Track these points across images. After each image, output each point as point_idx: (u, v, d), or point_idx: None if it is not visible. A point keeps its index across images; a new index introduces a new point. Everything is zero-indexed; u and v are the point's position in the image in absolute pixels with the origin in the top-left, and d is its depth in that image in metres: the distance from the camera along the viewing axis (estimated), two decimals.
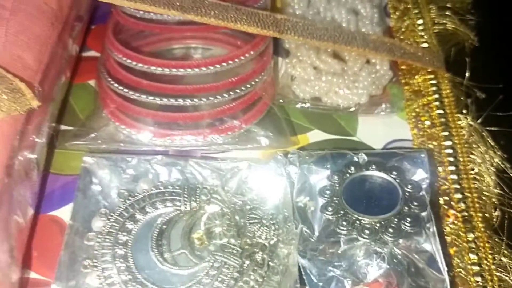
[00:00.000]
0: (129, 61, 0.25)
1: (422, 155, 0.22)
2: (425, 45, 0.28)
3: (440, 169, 0.24)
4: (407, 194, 0.21)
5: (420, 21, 0.30)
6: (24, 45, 0.21)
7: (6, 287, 0.19)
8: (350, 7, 0.30)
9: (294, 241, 0.20)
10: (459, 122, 0.25)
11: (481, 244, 0.22)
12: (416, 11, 0.31)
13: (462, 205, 0.23)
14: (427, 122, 0.26)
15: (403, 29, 0.30)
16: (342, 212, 0.20)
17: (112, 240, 0.20)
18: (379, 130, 0.26)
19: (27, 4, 0.22)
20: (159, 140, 0.23)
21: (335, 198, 0.20)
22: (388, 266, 0.19)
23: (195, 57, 0.28)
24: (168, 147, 0.24)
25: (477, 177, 0.24)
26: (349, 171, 0.21)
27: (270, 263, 0.20)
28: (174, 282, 0.19)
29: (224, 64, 0.25)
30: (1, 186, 0.18)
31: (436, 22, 0.30)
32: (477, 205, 0.23)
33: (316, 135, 0.26)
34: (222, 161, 0.23)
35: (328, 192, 0.21)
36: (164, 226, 0.21)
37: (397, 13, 0.31)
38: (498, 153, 0.25)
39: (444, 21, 0.30)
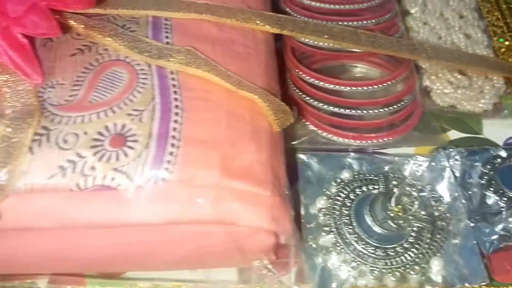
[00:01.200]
0: (317, 81, 0.33)
1: None
2: None
3: None
4: None
5: None
6: (271, 74, 0.29)
7: None
8: (464, 32, 0.38)
9: (463, 213, 0.29)
10: None
11: None
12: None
13: None
14: None
15: (503, 49, 0.38)
16: (500, 191, 0.29)
17: (337, 213, 0.29)
18: (500, 129, 0.34)
19: (263, 43, 0.30)
20: (349, 141, 0.32)
21: (493, 182, 0.29)
22: None
23: (352, 74, 0.36)
24: (357, 146, 0.32)
25: None
26: (496, 161, 0.30)
27: (449, 227, 0.29)
28: (387, 241, 0.28)
29: (385, 84, 0.33)
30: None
31: None
32: None
33: (452, 134, 0.34)
34: (398, 156, 0.32)
35: (485, 177, 0.29)
36: (369, 203, 0.29)
37: (496, 36, 0.39)
38: None
39: None
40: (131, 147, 0.23)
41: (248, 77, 0.27)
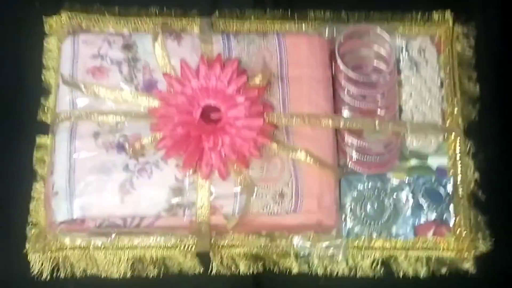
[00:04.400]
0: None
1: None
2: None
3: None
4: None
5: None
6: (335, 150, 0.66)
7: None
8: (430, 104, 0.72)
9: None
10: None
11: None
12: None
13: None
14: None
15: (448, 113, 0.73)
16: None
17: None
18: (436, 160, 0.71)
19: (331, 132, 0.65)
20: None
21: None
22: None
23: None
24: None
25: None
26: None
27: None
28: None
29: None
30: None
31: None
32: None
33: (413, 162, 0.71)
34: None
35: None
36: None
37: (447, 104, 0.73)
38: None
39: None
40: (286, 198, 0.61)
41: (324, 156, 0.63)
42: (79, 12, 0.72)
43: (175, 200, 0.60)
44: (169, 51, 0.64)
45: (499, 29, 0.76)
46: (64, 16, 0.71)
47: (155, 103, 0.62)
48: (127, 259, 0.65)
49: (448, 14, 0.74)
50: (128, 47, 0.65)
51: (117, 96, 0.63)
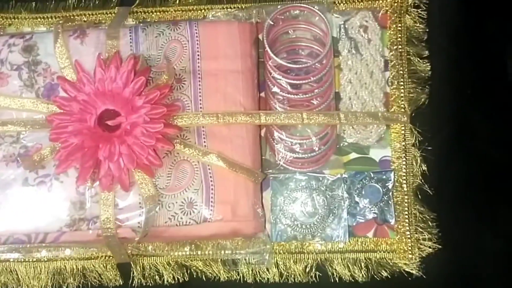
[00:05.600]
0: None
1: None
2: None
3: None
4: None
5: None
6: (257, 152, 0.60)
7: None
8: (371, 88, 0.64)
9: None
10: None
11: None
12: None
13: None
14: None
15: (393, 97, 0.65)
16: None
17: None
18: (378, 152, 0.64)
19: (251, 131, 0.60)
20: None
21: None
22: None
23: None
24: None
25: None
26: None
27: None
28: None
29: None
30: None
31: None
32: None
33: (353, 155, 0.64)
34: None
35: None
36: None
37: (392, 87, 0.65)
38: None
39: None
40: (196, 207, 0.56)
41: (241, 159, 0.57)
42: None
43: (77, 215, 0.57)
44: (71, 51, 0.59)
45: None
46: None
47: (55, 109, 0.58)
48: (48, 272, 0.63)
49: None
50: (29, 49, 0.60)
51: (17, 104, 0.59)
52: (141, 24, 0.63)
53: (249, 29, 0.62)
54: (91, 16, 0.67)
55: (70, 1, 0.68)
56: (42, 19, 0.68)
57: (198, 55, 0.59)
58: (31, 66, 0.60)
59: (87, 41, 0.60)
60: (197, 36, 0.60)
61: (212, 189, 0.57)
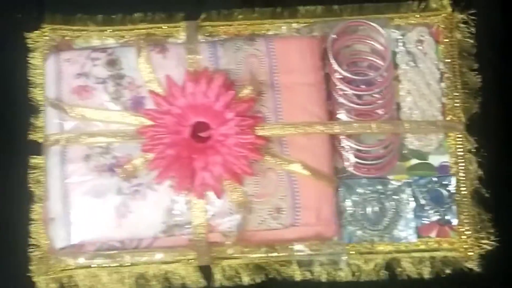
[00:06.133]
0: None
1: None
2: None
3: None
4: None
5: None
6: (330, 157, 0.64)
7: None
8: (429, 99, 0.69)
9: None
10: None
11: None
12: None
13: None
14: None
15: (449, 106, 0.70)
16: None
17: None
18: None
19: (326, 139, 0.64)
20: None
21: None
22: None
23: None
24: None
25: None
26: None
27: None
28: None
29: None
30: None
31: None
32: None
33: (413, 161, 0.69)
34: None
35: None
36: None
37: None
38: None
39: None
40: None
41: (319, 166, 0.62)
42: (61, 24, 0.70)
43: (171, 221, 0.60)
44: (154, 65, 0.62)
45: (500, 14, 0.73)
46: (46, 30, 0.69)
47: (143, 121, 0.61)
48: (130, 276, 0.65)
49: (446, 1, 0.71)
50: (112, 63, 0.63)
51: (105, 117, 0.61)
52: (218, 40, 0.66)
53: (317, 44, 0.66)
54: (157, 29, 0.70)
55: (136, 14, 0.71)
56: (110, 32, 0.70)
57: (275, 69, 0.63)
58: (116, 80, 0.62)
59: (168, 55, 0.63)
60: (272, 51, 0.64)
61: (297, 195, 0.60)
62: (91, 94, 0.62)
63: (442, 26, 0.71)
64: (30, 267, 0.65)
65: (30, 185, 0.67)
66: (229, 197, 0.60)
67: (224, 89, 0.59)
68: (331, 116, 0.67)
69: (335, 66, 0.67)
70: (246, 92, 0.60)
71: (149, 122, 0.60)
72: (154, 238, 0.60)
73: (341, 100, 0.67)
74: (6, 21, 0.72)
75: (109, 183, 0.60)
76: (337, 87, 0.67)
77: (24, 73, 0.70)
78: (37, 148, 0.68)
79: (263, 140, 0.60)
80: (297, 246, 0.63)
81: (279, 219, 0.60)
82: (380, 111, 0.68)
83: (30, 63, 0.69)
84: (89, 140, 0.61)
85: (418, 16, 0.71)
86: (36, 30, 0.70)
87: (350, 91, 0.67)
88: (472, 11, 0.71)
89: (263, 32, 0.70)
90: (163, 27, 0.70)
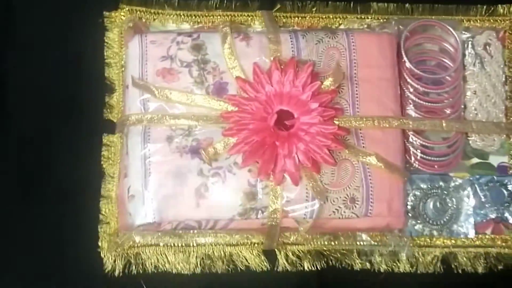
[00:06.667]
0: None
1: None
2: None
3: None
4: None
5: None
6: (403, 149, 0.66)
7: None
8: (494, 100, 0.71)
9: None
10: None
11: None
12: None
13: None
14: None
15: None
16: None
17: None
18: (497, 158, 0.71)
19: (399, 131, 0.66)
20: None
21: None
22: None
23: None
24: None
25: None
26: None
27: None
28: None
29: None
30: None
31: None
32: None
33: (474, 160, 0.71)
34: None
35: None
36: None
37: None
38: None
39: None
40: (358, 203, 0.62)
41: (393, 159, 0.64)
42: (138, 5, 0.71)
43: (249, 205, 0.61)
44: (238, 52, 0.64)
45: None
46: (124, 10, 0.70)
47: (226, 106, 0.62)
48: (197, 256, 0.67)
49: None
50: (197, 47, 0.64)
51: (189, 100, 0.63)
52: (300, 30, 0.68)
53: (394, 41, 0.68)
54: (232, 17, 0.71)
55: (212, 1, 0.72)
56: (186, 17, 0.71)
57: (354, 63, 0.65)
58: (200, 65, 0.63)
59: (251, 43, 0.65)
60: (353, 45, 0.65)
61: (371, 187, 0.62)
62: (176, 77, 0.63)
63: (510, 31, 0.73)
64: (99, 243, 0.67)
65: (102, 162, 0.69)
66: (305, 185, 0.62)
67: (311, 80, 0.60)
68: (401, 111, 0.69)
69: (407, 63, 0.69)
70: (328, 83, 0.62)
71: (232, 108, 0.61)
72: (230, 220, 0.62)
73: (411, 96, 0.69)
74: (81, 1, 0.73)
75: (190, 164, 0.61)
76: (407, 83, 0.69)
77: (100, 53, 0.71)
78: (109, 126, 0.70)
79: (345, 131, 0.62)
80: (362, 236, 0.65)
81: (353, 209, 0.62)
82: (447, 110, 0.70)
83: (106, 42, 0.71)
84: (172, 122, 0.62)
85: (486, 20, 0.73)
86: (114, 10, 0.71)
87: (421, 88, 0.69)
88: None
89: (335, 26, 0.72)
90: (238, 15, 0.71)
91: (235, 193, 0.61)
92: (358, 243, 0.66)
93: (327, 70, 0.64)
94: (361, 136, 0.64)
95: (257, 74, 0.61)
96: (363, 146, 0.64)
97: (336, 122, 0.63)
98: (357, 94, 0.64)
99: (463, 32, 0.73)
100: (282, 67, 0.62)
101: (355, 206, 0.62)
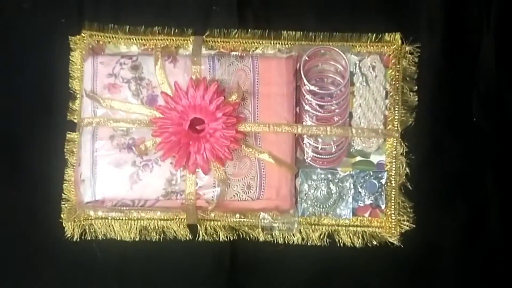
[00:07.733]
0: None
1: None
2: None
3: None
4: None
5: None
6: (293, 149, 0.85)
7: None
8: (374, 111, 0.90)
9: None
10: None
11: None
12: None
13: None
14: None
15: (389, 119, 0.90)
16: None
17: None
18: (376, 157, 0.90)
19: (291, 136, 0.84)
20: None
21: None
22: None
23: None
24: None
25: None
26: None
27: None
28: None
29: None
30: None
31: None
32: None
33: (357, 158, 0.90)
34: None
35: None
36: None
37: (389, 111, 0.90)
38: None
39: None
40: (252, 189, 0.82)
41: (283, 157, 0.83)
42: (96, 31, 0.91)
43: (170, 188, 0.81)
44: (167, 72, 0.83)
45: (440, 49, 0.92)
46: (85, 35, 0.90)
47: (155, 113, 0.82)
48: (136, 228, 0.87)
49: (397, 36, 0.91)
50: (135, 67, 0.84)
51: (127, 108, 0.82)
52: (216, 55, 0.87)
53: (292, 63, 0.87)
54: (171, 41, 0.90)
55: (155, 28, 0.92)
56: (135, 40, 0.91)
57: (257, 81, 0.84)
58: (137, 81, 0.83)
59: (177, 65, 0.84)
60: (257, 67, 0.84)
61: (263, 177, 0.82)
62: (118, 90, 0.83)
63: (392, 55, 0.91)
64: (62, 215, 0.88)
65: (66, 154, 0.89)
66: (213, 174, 0.81)
67: (216, 95, 0.79)
68: (299, 119, 0.88)
69: (305, 81, 0.87)
70: (233, 97, 0.81)
71: (159, 115, 0.81)
72: (156, 200, 0.82)
73: (307, 107, 0.88)
74: (52, 25, 0.92)
75: (127, 157, 0.82)
76: (305, 97, 0.88)
77: (65, 67, 0.91)
78: (72, 125, 0.90)
79: (242, 134, 0.81)
80: (262, 215, 0.84)
81: (249, 193, 0.81)
82: (336, 118, 0.88)
83: (71, 60, 0.91)
84: (114, 124, 0.82)
85: (375, 45, 0.91)
86: (77, 34, 0.90)
87: (314, 101, 0.88)
88: (417, 45, 0.91)
89: (253, 49, 0.90)
90: (175, 39, 0.91)
91: (159, 179, 0.81)
92: (261, 220, 0.85)
93: (235, 87, 0.83)
94: (259, 138, 0.83)
95: (177, 90, 0.81)
96: (260, 146, 0.83)
97: (242, 128, 0.82)
98: (257, 105, 0.83)
99: (353, 55, 0.91)
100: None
101: (251, 192, 0.81)
